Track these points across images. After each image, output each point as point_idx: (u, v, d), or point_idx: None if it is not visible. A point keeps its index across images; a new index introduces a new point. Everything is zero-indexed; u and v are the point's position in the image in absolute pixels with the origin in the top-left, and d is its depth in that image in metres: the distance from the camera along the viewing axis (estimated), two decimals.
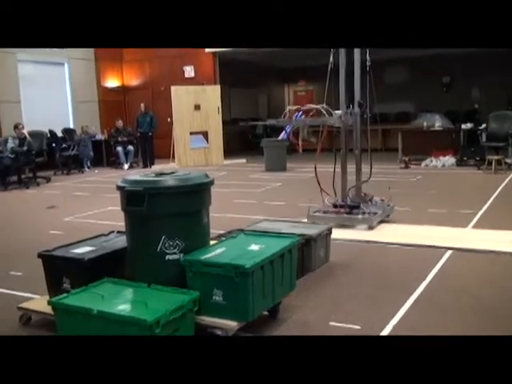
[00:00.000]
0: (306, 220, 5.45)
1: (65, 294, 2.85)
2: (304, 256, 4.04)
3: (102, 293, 2.82)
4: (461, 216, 6.09)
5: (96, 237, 3.81)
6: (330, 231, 4.52)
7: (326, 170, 5.77)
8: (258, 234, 3.45)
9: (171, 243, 3.08)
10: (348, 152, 5.98)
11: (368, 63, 5.84)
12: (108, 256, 3.34)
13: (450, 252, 4.65)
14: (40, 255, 3.40)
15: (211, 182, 3.27)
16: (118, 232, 3.87)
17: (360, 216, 5.58)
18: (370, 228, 5.43)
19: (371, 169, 5.91)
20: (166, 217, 3.08)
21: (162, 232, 3.07)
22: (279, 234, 3.60)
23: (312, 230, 4.31)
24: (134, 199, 3.09)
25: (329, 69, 5.80)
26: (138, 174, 3.36)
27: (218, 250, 3.10)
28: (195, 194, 3.16)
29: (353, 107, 5.80)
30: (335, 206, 5.83)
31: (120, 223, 6.36)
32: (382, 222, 5.70)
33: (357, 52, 5.86)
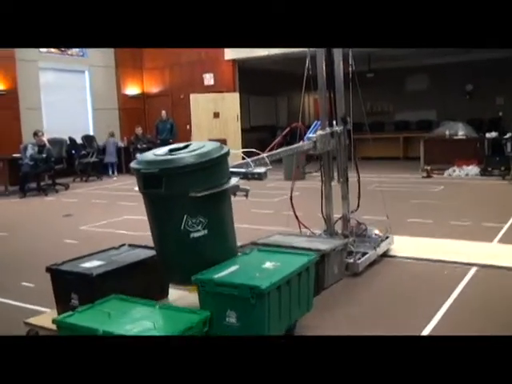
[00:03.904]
0: (321, 231, 5.23)
1: (70, 312, 2.74)
2: (318, 273, 3.88)
3: (109, 311, 2.70)
4: (486, 229, 5.86)
5: (106, 250, 3.70)
6: (345, 246, 4.35)
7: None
8: (272, 250, 3.31)
9: (194, 221, 3.00)
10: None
11: (351, 68, 4.88)
12: (117, 271, 3.23)
13: (475, 269, 4.45)
14: (48, 269, 3.31)
15: (227, 153, 3.15)
16: (130, 245, 3.76)
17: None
18: (355, 275, 4.40)
19: (359, 197, 5.04)
20: (186, 195, 2.96)
21: (183, 211, 2.97)
22: (294, 250, 3.44)
23: (326, 245, 4.13)
24: (151, 181, 2.99)
25: (304, 77, 4.90)
26: (151, 152, 3.22)
27: (232, 268, 2.97)
28: (213, 168, 3.06)
29: (335, 125, 4.82)
30: None
31: (135, 233, 6.36)
32: (400, 234, 5.45)
33: (337, 54, 4.78)
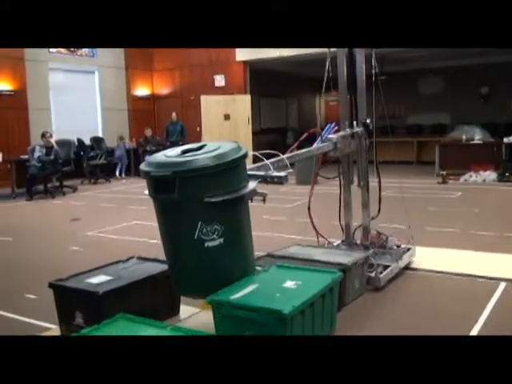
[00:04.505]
0: (339, 242, 4.98)
1: (74, 334, 2.52)
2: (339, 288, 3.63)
3: (115, 333, 2.47)
4: (510, 240, 5.58)
5: (114, 263, 3.48)
6: (366, 259, 4.10)
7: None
8: (292, 266, 3.06)
9: (209, 229, 2.76)
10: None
11: (375, 69, 4.69)
12: (125, 288, 3.01)
13: (504, 284, 4.18)
14: (51, 285, 3.08)
15: (246, 155, 2.90)
16: (139, 258, 3.54)
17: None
18: (376, 289, 4.15)
19: (380, 201, 4.74)
20: (201, 200, 2.72)
21: (197, 218, 2.74)
22: (316, 267, 3.18)
23: (347, 258, 3.88)
24: (162, 185, 2.75)
25: (324, 79, 4.66)
26: (162, 153, 2.97)
27: (250, 288, 2.72)
28: (231, 172, 2.81)
29: (356, 126, 4.60)
30: None
31: (145, 240, 6.14)
32: (420, 244, 5.17)
33: (360, 55, 4.57)
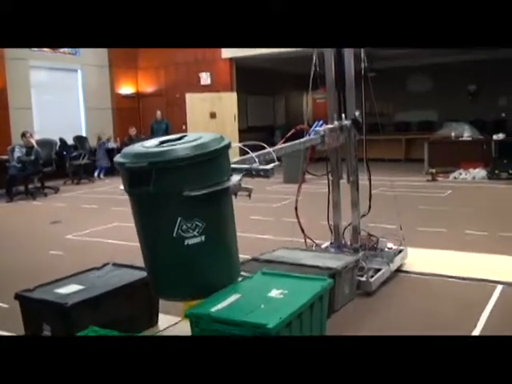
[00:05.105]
0: (327, 244, 4.77)
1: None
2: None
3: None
4: (505, 240, 5.41)
5: (87, 271, 3.24)
6: (357, 263, 3.90)
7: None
8: (278, 273, 2.84)
9: (189, 225, 2.55)
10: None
11: (364, 66, 4.48)
12: (97, 299, 2.77)
13: (500, 287, 4.00)
14: (17, 296, 2.84)
15: (228, 146, 2.70)
16: (114, 264, 3.30)
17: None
18: (368, 294, 3.94)
19: (371, 198, 4.51)
20: (180, 194, 2.51)
21: (176, 213, 2.53)
22: (304, 274, 2.94)
23: (336, 262, 3.67)
24: (137, 177, 2.54)
25: (311, 75, 4.46)
26: (140, 144, 2.76)
27: (232, 298, 2.49)
28: (212, 163, 2.60)
29: (345, 118, 4.37)
30: None
31: (125, 242, 5.89)
32: (412, 245, 4.98)
33: (348, 52, 4.40)
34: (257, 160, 3.01)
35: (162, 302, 3.30)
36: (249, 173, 2.95)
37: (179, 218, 2.54)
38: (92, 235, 6.43)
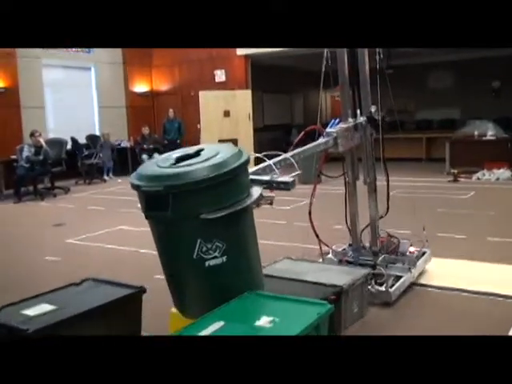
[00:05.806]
0: (346, 246, 4.41)
1: None
2: (333, 315, 3.06)
3: None
4: None
5: (65, 287, 2.94)
6: (366, 278, 3.53)
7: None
8: (271, 295, 2.48)
9: (209, 246, 2.47)
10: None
11: (379, 63, 4.23)
12: (67, 322, 2.46)
13: None
14: None
15: (247, 161, 2.57)
16: (94, 280, 2.99)
17: (372, 289, 3.68)
18: (386, 304, 3.67)
19: (388, 199, 4.21)
20: (198, 216, 2.41)
21: (195, 235, 2.46)
22: (301, 298, 2.58)
23: (343, 278, 3.31)
24: (154, 202, 2.46)
25: (322, 72, 4.18)
26: (155, 162, 2.62)
27: (214, 327, 2.14)
28: (231, 182, 2.46)
29: (360, 116, 4.07)
30: (340, 261, 4.18)
31: (126, 248, 5.62)
32: (434, 255, 4.59)
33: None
34: (276, 170, 2.90)
35: (145, 323, 3.01)
36: (269, 185, 2.83)
37: (199, 240, 2.46)
38: (94, 239, 6.16)
